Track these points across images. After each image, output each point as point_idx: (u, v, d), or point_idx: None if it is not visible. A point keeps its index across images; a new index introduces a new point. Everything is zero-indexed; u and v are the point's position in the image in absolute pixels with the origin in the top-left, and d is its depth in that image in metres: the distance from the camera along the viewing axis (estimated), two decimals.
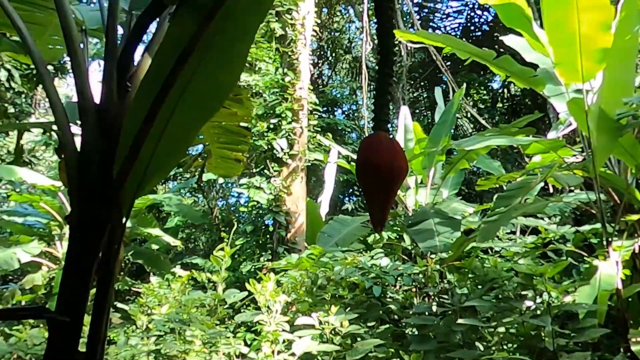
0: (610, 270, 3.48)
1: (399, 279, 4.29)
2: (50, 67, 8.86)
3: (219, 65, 1.30)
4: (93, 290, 1.30)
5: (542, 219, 5.39)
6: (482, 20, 12.96)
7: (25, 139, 11.84)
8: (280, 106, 7.66)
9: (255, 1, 1.29)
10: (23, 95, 9.54)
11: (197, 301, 4.71)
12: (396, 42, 10.64)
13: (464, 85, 7.12)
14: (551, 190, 7.01)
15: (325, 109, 12.89)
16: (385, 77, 1.03)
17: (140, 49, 1.54)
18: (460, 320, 3.28)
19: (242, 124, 2.71)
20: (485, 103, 13.65)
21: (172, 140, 1.30)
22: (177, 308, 4.62)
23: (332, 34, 14.65)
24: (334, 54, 14.90)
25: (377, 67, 1.10)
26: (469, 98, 12.85)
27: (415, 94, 14.23)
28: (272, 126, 7.71)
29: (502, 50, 5.16)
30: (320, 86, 14.17)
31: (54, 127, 1.40)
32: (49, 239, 6.75)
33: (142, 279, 7.75)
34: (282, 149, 7.62)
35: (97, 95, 1.39)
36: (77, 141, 1.39)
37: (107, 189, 1.28)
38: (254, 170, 8.12)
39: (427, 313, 3.87)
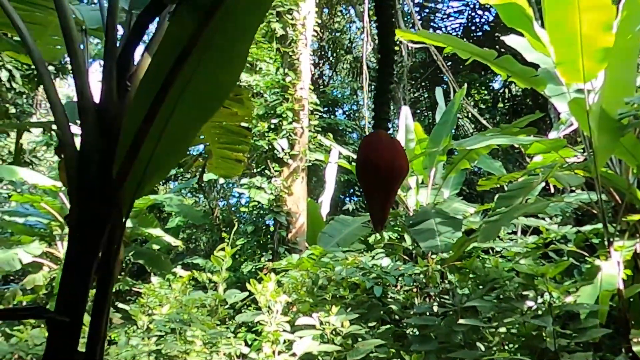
0: (611, 270, 3.47)
1: (400, 279, 4.29)
2: (51, 68, 8.88)
3: (219, 64, 1.30)
4: (93, 291, 1.30)
5: (543, 219, 5.38)
6: (483, 20, 12.95)
7: (26, 139, 11.86)
8: (281, 106, 7.66)
9: (254, 1, 1.29)
10: (24, 96, 9.56)
11: (198, 301, 4.70)
12: (397, 42, 10.64)
13: (465, 85, 7.12)
14: (552, 190, 7.00)
15: (326, 109, 12.89)
16: (385, 76, 1.03)
17: (140, 48, 1.54)
18: (461, 321, 3.27)
19: (242, 124, 2.70)
20: (486, 103, 13.64)
21: (172, 139, 1.30)
22: (177, 308, 4.62)
23: (333, 34, 14.65)
24: (334, 54, 14.90)
25: (377, 67, 1.09)
26: (469, 98, 12.85)
27: (416, 94, 14.23)
28: (272, 126, 7.70)
29: (503, 50, 5.16)
30: (321, 86, 14.17)
31: (54, 127, 1.40)
32: (50, 239, 6.75)
33: (143, 279, 7.75)
34: (282, 149, 7.61)
35: (97, 95, 1.39)
36: (77, 141, 1.39)
37: (107, 188, 1.27)
38: (255, 171, 8.13)
39: (428, 313, 3.86)
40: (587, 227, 4.54)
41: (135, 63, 1.45)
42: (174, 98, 1.22)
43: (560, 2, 3.58)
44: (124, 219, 1.34)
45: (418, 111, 13.88)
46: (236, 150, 2.89)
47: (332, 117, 13.42)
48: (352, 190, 12.65)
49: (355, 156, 1.09)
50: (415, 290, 4.43)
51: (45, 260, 6.53)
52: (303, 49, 7.97)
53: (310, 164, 8.21)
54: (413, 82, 13.71)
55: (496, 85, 13.40)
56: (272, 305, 3.89)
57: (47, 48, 2.59)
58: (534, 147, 4.20)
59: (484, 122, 10.55)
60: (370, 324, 3.93)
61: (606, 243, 3.70)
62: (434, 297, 4.27)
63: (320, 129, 8.89)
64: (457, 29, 13.15)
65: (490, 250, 4.94)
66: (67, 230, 1.32)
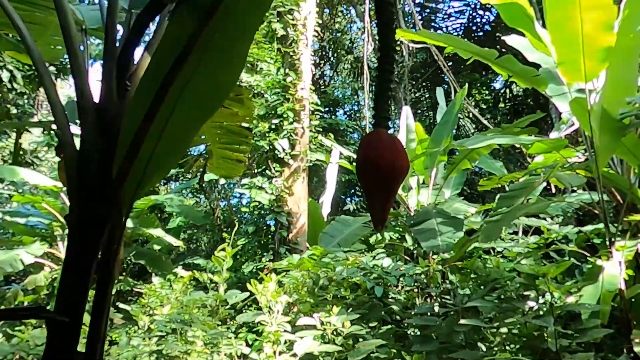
0: (613, 270, 3.46)
1: (401, 279, 4.28)
2: (52, 68, 8.89)
3: (219, 64, 1.29)
4: (94, 291, 1.30)
5: (544, 219, 5.37)
6: (484, 20, 12.95)
7: (27, 139, 11.88)
8: (281, 106, 7.66)
9: (254, 0, 1.29)
10: (25, 97, 9.57)
11: (199, 302, 4.70)
12: (398, 42, 10.63)
13: (466, 85, 7.10)
14: (553, 190, 6.99)
15: (327, 109, 12.90)
16: (385, 74, 1.02)
17: (141, 48, 1.54)
18: (462, 321, 3.26)
19: (243, 124, 2.70)
20: (487, 103, 13.63)
21: (172, 139, 1.30)
22: (178, 308, 4.62)
23: (334, 34, 14.65)
24: (335, 55, 14.90)
25: (377, 65, 1.09)
26: (470, 98, 12.84)
27: (417, 94, 14.23)
28: (273, 126, 7.70)
29: (504, 50, 5.15)
30: (322, 87, 14.18)
31: (54, 127, 1.40)
32: (51, 239, 6.76)
33: (144, 279, 7.75)
34: (283, 150, 7.61)
35: (97, 95, 1.38)
36: (77, 141, 1.39)
37: (107, 188, 1.27)
38: (256, 171, 8.13)
39: (429, 313, 3.85)
40: (589, 227, 4.53)
41: (135, 63, 1.44)
42: (173, 98, 1.22)
43: (561, 2, 3.57)
44: (123, 219, 1.33)
45: (419, 111, 13.88)
46: (237, 151, 2.88)
47: (333, 117, 13.43)
48: (353, 191, 12.65)
49: (355, 156, 1.09)
50: (416, 290, 4.43)
51: (47, 261, 6.53)
52: (304, 49, 7.97)
53: (311, 164, 8.21)
54: (414, 82, 13.71)
55: (497, 85, 13.40)
56: (272, 305, 3.89)
57: (47, 48, 2.59)
58: (536, 146, 4.19)
59: (485, 122, 10.54)
60: (371, 324, 3.92)
61: (608, 243, 3.69)
62: (435, 298, 4.27)
63: (321, 129, 8.90)
64: (458, 29, 13.15)
65: (492, 251, 4.93)
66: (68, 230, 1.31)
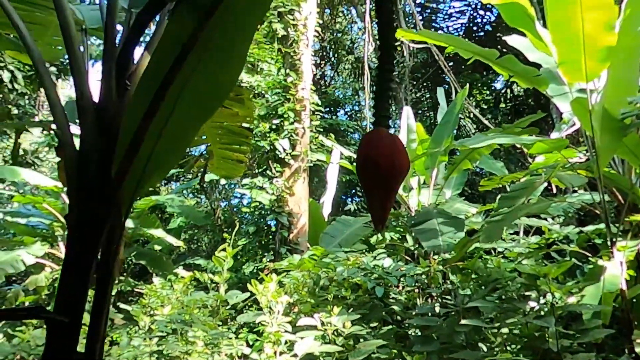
0: (614, 270, 3.45)
1: (401, 279, 4.27)
2: (53, 68, 8.90)
3: (219, 64, 1.29)
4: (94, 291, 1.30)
5: (545, 219, 5.36)
6: (484, 20, 12.94)
7: (28, 140, 11.89)
8: (282, 107, 7.66)
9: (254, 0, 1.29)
10: (26, 97, 9.58)
11: (199, 302, 4.70)
12: (398, 43, 10.63)
13: (467, 85, 7.10)
14: (554, 190, 6.98)
15: (327, 109, 12.90)
16: (385, 73, 1.02)
17: (141, 48, 1.54)
18: (463, 321, 3.26)
19: (244, 124, 2.70)
20: (488, 103, 13.62)
21: (172, 138, 1.29)
22: (179, 309, 4.62)
23: (335, 34, 14.65)
24: (336, 55, 14.90)
25: (378, 64, 1.08)
26: (471, 98, 12.83)
27: (417, 95, 14.22)
28: (274, 127, 7.70)
29: (504, 50, 5.15)
30: (323, 87, 14.18)
31: (53, 126, 1.39)
32: (52, 240, 6.76)
33: (145, 279, 7.75)
34: (284, 150, 7.61)
35: (96, 94, 1.38)
36: (77, 141, 1.39)
37: (106, 188, 1.27)
38: (257, 171, 8.13)
39: (430, 314, 3.85)
40: (590, 228, 4.52)
41: (135, 62, 1.44)
42: (173, 97, 1.22)
43: (562, 2, 3.57)
44: (123, 218, 1.33)
45: (420, 111, 13.87)
46: (237, 151, 2.88)
47: (333, 117, 13.43)
48: (353, 191, 12.65)
49: (356, 156, 1.08)
50: (417, 290, 4.42)
51: (48, 261, 6.54)
52: (304, 49, 7.98)
53: (311, 165, 8.21)
54: (415, 83, 13.71)
55: (498, 86, 13.39)
56: (273, 305, 3.88)
57: (48, 48, 2.59)
58: (537, 146, 4.19)
59: (486, 122, 10.53)
60: (372, 325, 3.91)
61: (609, 243, 3.68)
62: (436, 298, 4.26)
63: (321, 130, 8.89)
64: (458, 29, 13.15)
65: (493, 251, 4.92)
66: None
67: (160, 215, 9.53)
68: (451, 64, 10.77)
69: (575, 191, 5.77)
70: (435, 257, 4.71)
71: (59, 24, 1.41)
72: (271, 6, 7.63)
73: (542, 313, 3.33)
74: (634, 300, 3.56)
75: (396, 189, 1.05)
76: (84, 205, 1.29)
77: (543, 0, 3.76)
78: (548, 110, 8.61)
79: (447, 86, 11.26)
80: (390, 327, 3.98)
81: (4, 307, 6.14)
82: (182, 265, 8.16)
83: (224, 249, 4.99)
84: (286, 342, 3.72)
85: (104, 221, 1.27)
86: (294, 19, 7.89)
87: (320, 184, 10.77)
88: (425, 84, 13.81)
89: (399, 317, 4.17)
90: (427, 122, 12.93)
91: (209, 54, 1.26)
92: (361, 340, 3.64)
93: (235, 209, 10.76)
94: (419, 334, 3.88)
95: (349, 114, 15.03)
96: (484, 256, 4.52)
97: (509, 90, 13.27)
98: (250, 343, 4.24)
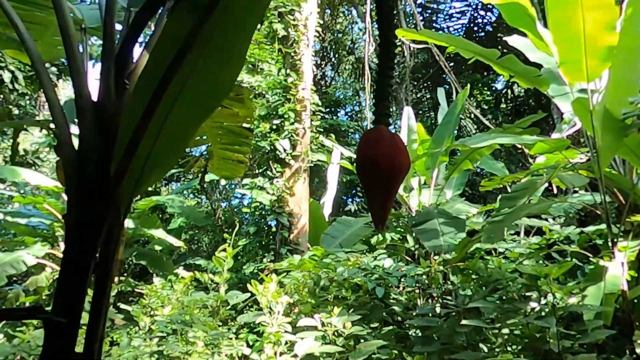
0: (615, 271, 3.44)
1: (402, 280, 4.26)
2: (53, 69, 8.91)
3: (218, 62, 1.29)
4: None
5: (546, 219, 5.35)
6: (485, 21, 12.92)
7: (29, 140, 11.89)
8: (282, 107, 7.66)
9: None
10: (27, 97, 9.58)
11: (200, 302, 4.69)
12: (399, 43, 10.62)
13: (468, 85, 7.09)
14: (555, 191, 6.98)
15: (328, 110, 12.89)
16: (385, 71, 1.01)
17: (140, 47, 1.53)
18: (464, 322, 3.25)
19: (244, 125, 2.69)
20: (488, 104, 13.61)
21: (171, 137, 1.29)
22: (179, 309, 4.61)
23: (335, 35, 14.65)
24: (336, 55, 14.90)
25: (378, 62, 1.08)
26: (472, 99, 12.81)
27: (418, 95, 14.21)
28: (274, 127, 7.70)
29: (505, 51, 5.14)
30: (323, 87, 14.18)
31: (52, 126, 1.39)
32: (53, 240, 6.76)
33: (145, 280, 7.75)
34: (284, 150, 7.61)
35: (95, 94, 1.38)
36: (76, 140, 1.38)
37: (105, 187, 1.26)
38: (257, 171, 8.12)
39: (430, 314, 3.84)
40: (591, 228, 4.51)
41: (135, 61, 1.44)
42: (172, 95, 1.21)
43: (563, 2, 3.56)
44: (122, 218, 1.33)
45: (420, 112, 13.86)
46: (237, 152, 2.87)
47: (334, 118, 13.42)
48: (354, 191, 12.64)
49: (356, 155, 1.08)
50: (417, 291, 4.41)
51: (48, 262, 6.53)
52: (305, 49, 7.97)
53: (312, 165, 8.20)
54: (415, 83, 13.70)
55: (499, 86, 13.38)
56: (273, 306, 3.88)
57: (48, 48, 2.58)
58: (538, 146, 4.18)
59: (487, 122, 10.52)
60: (372, 325, 3.90)
61: (610, 244, 3.67)
62: (436, 298, 4.25)
63: (322, 130, 8.89)
64: (459, 30, 13.14)
65: (493, 251, 4.91)
66: None
67: (160, 216, 9.53)
68: (452, 64, 10.76)
69: (576, 191, 5.76)
70: (436, 257, 4.70)
71: (57, 23, 1.41)
72: (272, 6, 7.64)
73: (543, 314, 3.32)
74: (635, 300, 3.55)
75: (396, 188, 1.05)
76: (82, 204, 1.28)
77: (544, 0, 3.75)
78: (549, 110, 8.60)
79: (447, 86, 11.26)
80: (390, 327, 3.98)
81: (4, 307, 6.14)
82: (182, 265, 8.16)
83: (224, 250, 4.98)
84: (286, 343, 3.71)
85: (102, 220, 1.26)
86: (294, 19, 7.88)
87: (321, 185, 10.76)
88: (425, 84, 13.80)
89: (399, 318, 4.16)
90: (428, 123, 12.92)
91: (208, 53, 1.25)
92: (362, 340, 3.63)
93: (235, 210, 10.76)
94: (420, 334, 3.87)
95: (349, 114, 15.03)
96: (484, 257, 4.52)
97: (509, 91, 13.26)
98: (251, 343, 4.23)
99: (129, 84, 1.38)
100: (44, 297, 6.49)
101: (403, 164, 0.99)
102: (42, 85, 1.38)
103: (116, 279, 6.76)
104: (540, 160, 5.09)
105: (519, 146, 6.50)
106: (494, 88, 13.42)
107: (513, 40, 4.86)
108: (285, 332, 3.72)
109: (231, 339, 4.05)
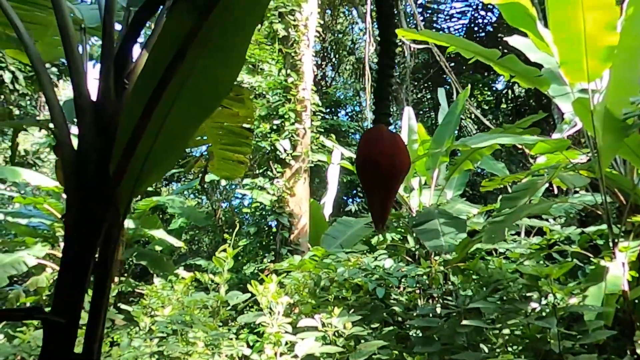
0: (616, 271, 3.44)
1: (402, 280, 4.26)
2: (54, 69, 8.91)
3: (217, 61, 1.28)
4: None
5: (546, 220, 5.35)
6: (485, 21, 12.92)
7: (29, 141, 11.90)
8: (283, 107, 7.66)
9: None
10: (27, 98, 9.59)
11: (200, 303, 4.69)
12: (400, 43, 10.61)
13: (469, 86, 7.08)
14: (556, 191, 6.97)
15: (328, 110, 12.89)
16: (385, 69, 1.00)
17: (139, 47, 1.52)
18: (464, 322, 3.24)
19: (244, 125, 2.69)
20: (489, 104, 13.60)
21: (170, 136, 1.29)
22: (179, 310, 4.61)
23: (336, 35, 14.65)
24: (337, 56, 14.90)
25: (377, 60, 1.07)
26: (472, 99, 12.80)
27: (418, 95, 14.20)
28: (275, 127, 7.70)
29: (506, 51, 5.13)
30: (324, 87, 14.18)
31: (51, 126, 1.39)
32: (53, 240, 6.76)
33: (146, 280, 7.75)
34: (285, 150, 7.61)
35: (94, 93, 1.37)
36: (75, 140, 1.38)
37: (104, 187, 1.26)
38: (257, 172, 8.12)
39: (431, 315, 3.83)
40: (592, 228, 4.50)
41: (134, 60, 1.43)
42: (172, 95, 1.21)
43: (564, 2, 3.55)
44: (121, 218, 1.32)
45: (421, 112, 13.85)
46: (238, 152, 2.87)
47: (334, 118, 13.42)
48: (354, 192, 12.64)
49: (356, 155, 1.07)
50: (418, 291, 4.40)
51: (49, 262, 6.54)
52: (305, 49, 7.97)
53: (312, 165, 8.20)
54: (416, 83, 13.70)
55: (499, 86, 13.37)
56: (273, 306, 3.87)
57: (48, 48, 2.58)
58: (539, 147, 4.17)
59: (487, 123, 10.52)
60: (372, 326, 3.90)
61: (611, 244, 3.67)
62: (437, 299, 4.25)
63: (322, 130, 8.89)
64: (460, 30, 13.14)
65: (494, 252, 4.91)
66: None
67: (161, 216, 9.53)
68: (452, 64, 10.75)
69: (577, 192, 5.76)
70: (437, 257, 4.70)
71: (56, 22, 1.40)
72: (272, 6, 7.64)
73: (544, 314, 3.32)
74: (636, 301, 3.54)
75: (397, 188, 1.04)
76: (82, 204, 1.28)
77: (544, 0, 3.74)
78: (549, 110, 8.60)
79: (448, 87, 11.25)
80: (391, 328, 3.97)
81: (4, 307, 6.14)
82: (182, 266, 8.17)
83: (224, 250, 4.98)
84: (287, 343, 3.71)
85: (102, 220, 1.26)
86: (294, 20, 7.88)
87: (321, 185, 10.76)
88: (426, 84, 13.80)
89: (400, 318, 4.15)
90: (429, 123, 12.91)
91: (208, 53, 1.25)
92: (362, 341, 3.62)
93: (236, 210, 10.76)
94: (420, 335, 3.86)
95: (349, 114, 15.03)
96: (485, 257, 4.51)
97: (510, 91, 13.25)
98: (251, 344, 4.23)
99: (129, 83, 1.38)
100: (44, 298, 6.49)
101: (403, 163, 0.98)
102: (41, 86, 1.38)
103: (116, 279, 6.76)
104: (541, 160, 5.08)
105: (520, 146, 6.49)
106: (494, 88, 13.42)
107: (513, 40, 4.85)
108: (286, 332, 3.71)
109: (231, 339, 4.04)
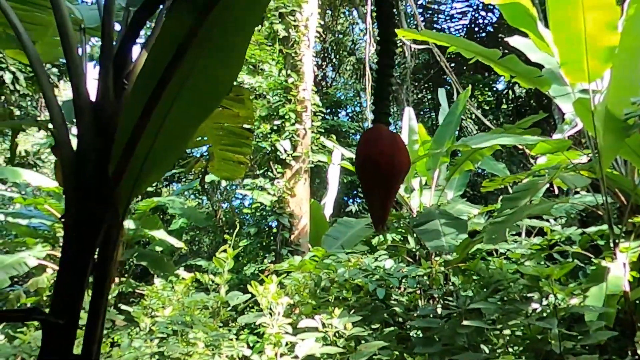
0: (617, 272, 3.43)
1: (403, 281, 4.25)
2: (54, 70, 8.91)
3: (217, 61, 1.28)
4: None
5: (547, 220, 5.34)
6: (486, 21, 12.92)
7: (30, 141, 11.91)
8: (283, 108, 7.66)
9: None
10: (28, 98, 9.59)
11: (200, 303, 4.69)
12: (400, 44, 10.61)
13: (470, 86, 7.07)
14: (556, 191, 6.96)
15: (329, 110, 12.89)
16: (385, 68, 1.00)
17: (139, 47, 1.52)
18: (465, 323, 3.23)
19: (244, 125, 2.69)
20: (489, 104, 13.60)
21: (170, 136, 1.28)
22: (180, 310, 4.61)
23: (336, 35, 14.65)
24: (337, 56, 14.90)
25: (377, 60, 1.07)
26: (473, 99, 12.80)
27: (419, 96, 14.20)
28: (275, 128, 7.70)
29: (506, 52, 5.13)
30: (324, 88, 14.18)
31: (50, 126, 1.38)
32: (54, 241, 6.76)
33: (146, 281, 7.74)
34: (285, 151, 7.60)
35: (94, 94, 1.37)
36: (74, 140, 1.37)
37: (103, 187, 1.26)
38: (258, 172, 8.12)
39: (431, 315, 3.83)
40: (592, 229, 4.49)
41: (133, 60, 1.43)
42: (171, 95, 1.20)
43: (564, 2, 3.55)
44: (120, 218, 1.32)
45: (421, 112, 13.85)
46: (238, 152, 2.87)
47: (335, 118, 13.42)
48: (355, 192, 12.63)
49: (355, 155, 1.06)
50: (418, 292, 4.40)
51: (49, 263, 6.53)
52: (306, 50, 7.97)
53: (312, 166, 8.20)
54: (416, 84, 13.70)
55: (500, 87, 13.37)
56: (274, 307, 3.87)
57: (48, 48, 2.58)
58: (539, 147, 4.17)
59: (488, 123, 10.51)
60: (373, 326, 3.89)
61: (612, 245, 3.66)
62: (437, 299, 4.24)
63: (323, 131, 8.89)
64: (460, 30, 13.14)
65: (495, 252, 4.90)
66: None
67: (161, 217, 9.52)
68: (453, 65, 10.75)
69: (577, 192, 5.75)
70: (437, 258, 4.69)
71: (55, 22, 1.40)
72: (272, 7, 7.64)
73: (545, 315, 3.31)
74: (637, 301, 3.53)
75: (396, 188, 1.04)
76: (81, 205, 1.28)
77: (545, 0, 3.74)
78: (550, 111, 8.59)
79: (448, 87, 11.25)
80: (391, 328, 3.97)
81: (4, 308, 6.15)
82: (183, 266, 8.16)
83: (224, 250, 4.97)
84: (287, 344, 3.70)
85: (101, 221, 1.26)
86: (295, 20, 7.88)
87: (322, 185, 10.76)
88: (426, 85, 13.80)
89: (400, 319, 4.15)
90: (429, 123, 12.90)
91: (207, 53, 1.25)
92: (362, 341, 3.62)
93: (236, 210, 10.76)
94: (421, 335, 3.86)
95: (350, 115, 15.03)
96: (486, 257, 4.51)
97: (510, 91, 13.25)
98: (251, 344, 4.23)
99: (128, 83, 1.38)
100: (44, 298, 6.48)
101: (403, 163, 0.97)
102: (40, 86, 1.38)
103: (117, 280, 6.76)
104: (542, 160, 5.07)
105: (520, 147, 6.49)
106: (495, 88, 13.42)
107: (514, 40, 4.85)
108: (286, 333, 3.71)
109: (232, 340, 4.04)
